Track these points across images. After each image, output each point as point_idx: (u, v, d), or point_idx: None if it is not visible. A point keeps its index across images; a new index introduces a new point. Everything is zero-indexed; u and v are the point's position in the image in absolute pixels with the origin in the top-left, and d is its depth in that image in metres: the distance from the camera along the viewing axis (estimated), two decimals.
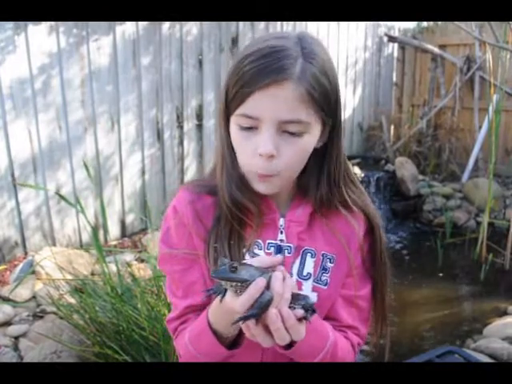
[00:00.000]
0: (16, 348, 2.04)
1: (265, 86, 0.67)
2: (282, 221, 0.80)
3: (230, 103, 0.73)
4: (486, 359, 2.05)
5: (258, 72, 0.68)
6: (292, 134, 0.70)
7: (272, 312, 0.61)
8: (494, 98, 3.15)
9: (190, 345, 0.76)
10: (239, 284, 0.62)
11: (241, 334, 0.72)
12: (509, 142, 4.63)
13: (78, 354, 1.86)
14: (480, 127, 4.41)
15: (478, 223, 3.74)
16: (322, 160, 0.78)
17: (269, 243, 0.78)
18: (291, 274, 0.78)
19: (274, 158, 0.71)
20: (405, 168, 4.15)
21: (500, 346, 2.15)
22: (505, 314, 2.61)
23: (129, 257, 2.85)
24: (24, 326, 2.16)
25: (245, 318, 0.63)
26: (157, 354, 1.70)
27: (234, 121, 0.73)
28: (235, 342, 0.74)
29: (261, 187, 0.75)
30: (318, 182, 0.78)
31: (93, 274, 2.63)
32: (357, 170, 4.07)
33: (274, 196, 0.80)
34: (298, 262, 0.79)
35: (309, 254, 0.79)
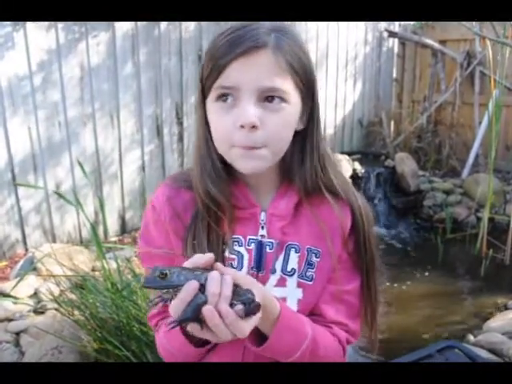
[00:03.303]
0: (17, 344, 2.05)
1: (241, 54, 0.67)
2: (263, 215, 0.77)
3: (207, 79, 0.71)
4: (485, 354, 2.05)
5: (232, 42, 0.68)
6: (272, 103, 0.69)
7: (206, 309, 0.60)
8: (494, 93, 3.14)
9: (165, 341, 0.75)
10: (171, 290, 0.61)
11: None
12: (509, 138, 4.61)
13: (79, 350, 1.86)
14: (480, 122, 4.40)
15: (479, 219, 3.73)
16: (304, 143, 0.76)
17: (249, 239, 0.76)
18: (274, 270, 0.76)
19: (258, 130, 0.68)
20: (405, 164, 4.14)
21: (500, 340, 2.15)
22: (505, 308, 2.61)
23: (129, 253, 2.85)
24: (25, 322, 2.16)
25: (179, 322, 0.61)
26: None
27: (211, 98, 0.71)
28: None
29: (247, 165, 0.71)
30: (303, 164, 0.76)
31: (93, 270, 2.64)
32: (357, 166, 4.06)
33: (254, 188, 0.77)
34: (281, 257, 0.76)
35: (293, 249, 0.77)
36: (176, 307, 0.61)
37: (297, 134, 0.75)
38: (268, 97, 0.68)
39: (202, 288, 0.61)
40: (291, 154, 0.76)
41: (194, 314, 0.60)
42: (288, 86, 0.69)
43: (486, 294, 2.87)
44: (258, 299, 0.63)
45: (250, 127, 0.68)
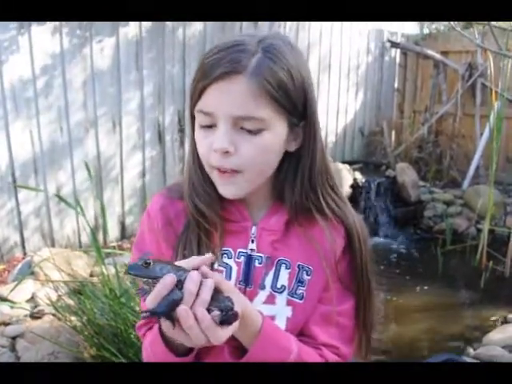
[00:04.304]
0: (13, 349, 2.03)
1: (217, 80, 0.67)
2: (254, 229, 0.76)
3: (191, 100, 0.72)
4: None
5: (211, 65, 0.67)
6: (248, 131, 0.68)
7: (181, 309, 0.59)
8: (496, 105, 3.15)
9: (149, 349, 0.75)
10: (150, 280, 0.61)
11: None
12: (510, 150, 4.62)
13: (75, 356, 1.85)
14: (481, 134, 4.41)
15: (479, 230, 3.72)
16: (297, 164, 0.75)
17: (239, 252, 0.75)
18: (264, 286, 0.75)
19: (231, 155, 0.69)
20: (406, 174, 4.14)
21: (500, 354, 2.14)
22: (505, 321, 2.59)
23: (128, 259, 2.84)
24: (21, 327, 2.15)
25: (150, 314, 0.61)
26: None
27: (196, 119, 0.73)
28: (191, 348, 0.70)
29: (225, 190, 0.73)
30: (293, 186, 0.75)
31: (91, 275, 2.62)
32: (357, 176, 4.06)
33: (248, 202, 0.77)
34: (271, 273, 0.75)
35: (283, 265, 0.75)
36: (151, 299, 0.60)
37: (291, 154, 0.75)
38: (244, 123, 0.68)
39: (181, 285, 0.60)
40: (284, 173, 0.76)
41: (167, 309, 0.60)
42: (265, 113, 0.68)
43: (485, 306, 2.85)
44: (237, 308, 0.62)
45: (223, 153, 0.69)
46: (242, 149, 0.69)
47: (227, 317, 0.61)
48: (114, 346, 1.71)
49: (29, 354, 1.93)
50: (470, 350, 2.27)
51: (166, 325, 0.62)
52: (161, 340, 0.69)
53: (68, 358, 1.86)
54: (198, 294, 0.60)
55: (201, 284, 0.61)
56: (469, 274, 3.30)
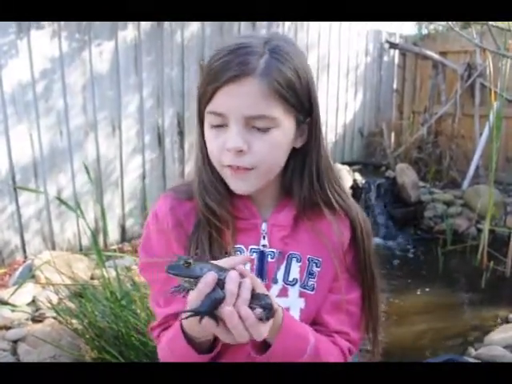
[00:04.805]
0: (14, 352, 2.03)
1: (228, 82, 0.69)
2: (264, 225, 0.79)
3: (200, 102, 0.74)
4: None
5: (221, 68, 0.69)
6: (259, 129, 0.71)
7: (226, 309, 0.61)
8: (495, 104, 3.15)
9: (167, 348, 0.76)
10: (192, 280, 0.62)
11: (216, 338, 0.71)
12: (509, 149, 4.62)
13: (77, 359, 1.84)
14: (480, 134, 4.42)
15: (479, 230, 3.72)
16: (304, 159, 0.78)
17: (251, 249, 0.78)
18: (276, 280, 0.77)
19: (244, 154, 0.71)
20: (405, 174, 4.14)
21: (501, 354, 2.14)
22: (506, 321, 2.59)
23: (128, 261, 2.84)
24: (23, 330, 2.15)
25: (195, 313, 0.62)
26: (156, 360, 1.69)
27: (206, 120, 0.75)
28: (213, 346, 0.72)
29: (238, 186, 0.75)
30: (301, 182, 0.78)
31: (92, 278, 2.62)
32: (357, 177, 4.07)
33: (256, 200, 0.80)
34: (283, 267, 0.78)
35: (294, 259, 0.78)
36: (194, 298, 0.62)
37: (297, 150, 0.77)
38: (255, 122, 0.71)
39: (222, 284, 0.62)
40: (292, 170, 0.78)
41: (211, 308, 0.61)
42: (275, 112, 0.70)
43: (486, 306, 2.85)
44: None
45: (236, 151, 0.71)
46: (255, 147, 0.71)
47: (270, 313, 0.64)
48: (115, 348, 1.71)
49: (30, 358, 1.93)
50: (472, 350, 2.27)
51: (209, 323, 0.63)
52: (182, 337, 0.70)
53: (69, 360, 1.86)
54: (238, 293, 0.62)
55: (239, 283, 0.63)
56: (469, 274, 3.30)
